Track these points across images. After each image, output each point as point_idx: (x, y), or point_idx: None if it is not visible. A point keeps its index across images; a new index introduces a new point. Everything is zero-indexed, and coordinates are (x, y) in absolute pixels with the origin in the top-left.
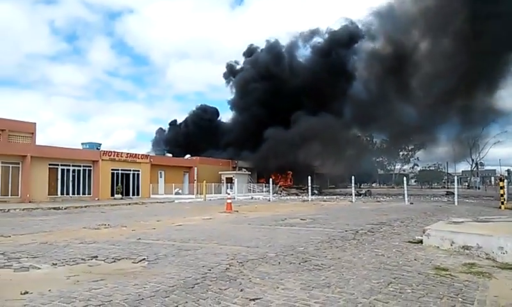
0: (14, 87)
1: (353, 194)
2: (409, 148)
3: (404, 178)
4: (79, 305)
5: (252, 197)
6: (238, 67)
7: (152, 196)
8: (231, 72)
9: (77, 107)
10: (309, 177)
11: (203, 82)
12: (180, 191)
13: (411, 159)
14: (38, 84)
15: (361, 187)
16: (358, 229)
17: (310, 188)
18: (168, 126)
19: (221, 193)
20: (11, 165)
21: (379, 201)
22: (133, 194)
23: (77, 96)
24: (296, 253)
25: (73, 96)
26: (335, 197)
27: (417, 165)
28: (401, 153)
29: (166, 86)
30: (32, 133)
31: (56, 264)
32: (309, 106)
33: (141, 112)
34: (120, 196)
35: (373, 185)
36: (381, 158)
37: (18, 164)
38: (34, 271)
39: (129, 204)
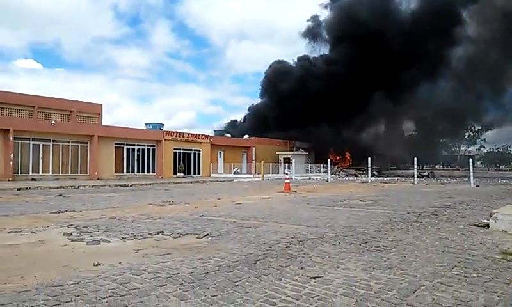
0: (82, 70)
1: (415, 176)
2: (476, 129)
3: (470, 160)
4: (147, 277)
5: (310, 178)
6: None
7: (211, 174)
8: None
9: (140, 88)
10: (369, 158)
11: (262, 62)
12: (238, 171)
13: (477, 140)
14: (104, 67)
15: (424, 168)
16: (420, 211)
17: (369, 169)
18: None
19: (278, 173)
20: (80, 145)
21: (442, 183)
22: (194, 173)
23: (140, 78)
24: (356, 234)
25: (136, 78)
26: (395, 178)
27: (484, 147)
28: (467, 134)
29: (225, 68)
30: (99, 114)
31: (125, 238)
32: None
33: (201, 93)
34: (181, 174)
35: (436, 166)
36: (445, 139)
37: (87, 143)
38: (104, 244)
39: (191, 182)
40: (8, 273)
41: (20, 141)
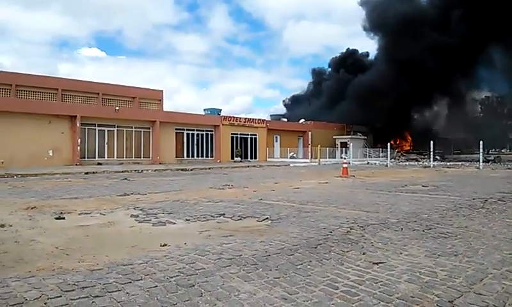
0: (143, 57)
1: (480, 160)
2: None
3: None
4: (212, 258)
5: (368, 162)
6: None
7: (268, 159)
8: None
9: (199, 74)
10: (431, 141)
11: (319, 43)
12: (294, 155)
13: None
14: (164, 53)
15: (489, 153)
16: (487, 197)
17: (431, 153)
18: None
19: (335, 157)
20: (142, 130)
21: (510, 168)
22: (251, 157)
23: (199, 63)
24: (419, 220)
25: (195, 63)
26: (459, 163)
27: None
28: None
29: (282, 50)
30: (160, 100)
31: (189, 220)
32: None
33: (258, 77)
34: (239, 158)
35: (502, 151)
36: None
37: (149, 128)
38: (170, 226)
39: (248, 166)
40: (81, 252)
41: (86, 127)
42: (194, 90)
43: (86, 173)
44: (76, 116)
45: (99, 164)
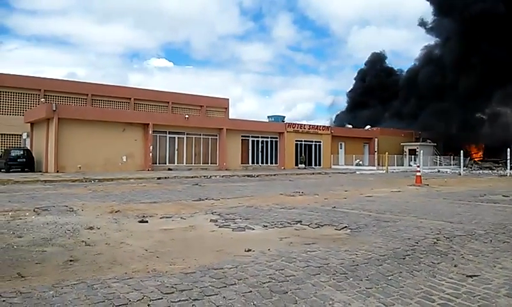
0: (208, 66)
1: None
2: None
3: None
4: (300, 265)
5: (438, 171)
6: None
7: (332, 166)
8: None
9: (262, 82)
10: (508, 149)
11: (384, 48)
12: (360, 162)
13: None
14: (229, 62)
15: None
16: None
17: (508, 161)
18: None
19: (403, 165)
20: (210, 137)
21: None
22: (315, 164)
23: (262, 72)
24: (508, 232)
25: (259, 72)
26: None
27: None
28: None
29: (345, 56)
30: (226, 108)
31: (266, 226)
32: None
33: (321, 84)
34: (303, 165)
35: None
36: None
37: (216, 135)
38: (249, 231)
39: (313, 173)
40: (170, 256)
41: (158, 134)
42: (257, 98)
43: (159, 178)
44: (149, 123)
45: (169, 169)
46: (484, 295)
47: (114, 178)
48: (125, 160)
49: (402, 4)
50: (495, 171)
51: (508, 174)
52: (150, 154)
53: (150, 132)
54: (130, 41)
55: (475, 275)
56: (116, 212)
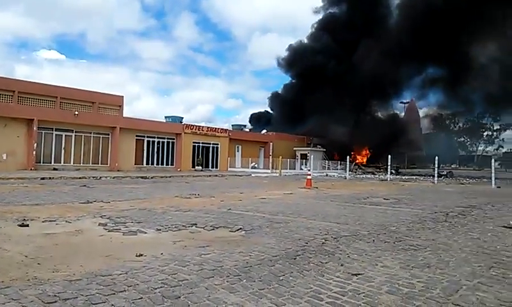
0: (104, 62)
1: (435, 175)
2: (494, 128)
3: (492, 160)
4: (193, 268)
5: (327, 174)
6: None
7: (229, 169)
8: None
9: (161, 81)
10: (389, 155)
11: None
12: (256, 165)
13: (495, 140)
14: (127, 59)
15: (441, 168)
16: (447, 211)
17: (389, 167)
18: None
19: (295, 169)
20: (101, 136)
21: (462, 183)
22: (212, 167)
23: (162, 71)
24: (389, 232)
25: (159, 71)
26: (414, 177)
27: (502, 147)
28: (485, 133)
29: (245, 62)
30: (120, 106)
31: (160, 229)
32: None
33: (221, 87)
34: (200, 167)
35: (452, 166)
36: (463, 139)
37: (108, 134)
38: (141, 235)
39: (209, 176)
40: (53, 262)
41: (43, 131)
42: (156, 97)
43: (43, 179)
44: (33, 119)
45: (55, 169)
46: (368, 293)
47: None
48: (5, 158)
49: (301, 13)
50: (376, 176)
51: (388, 179)
52: (34, 152)
53: (35, 128)
54: (19, 30)
55: (359, 274)
56: None
